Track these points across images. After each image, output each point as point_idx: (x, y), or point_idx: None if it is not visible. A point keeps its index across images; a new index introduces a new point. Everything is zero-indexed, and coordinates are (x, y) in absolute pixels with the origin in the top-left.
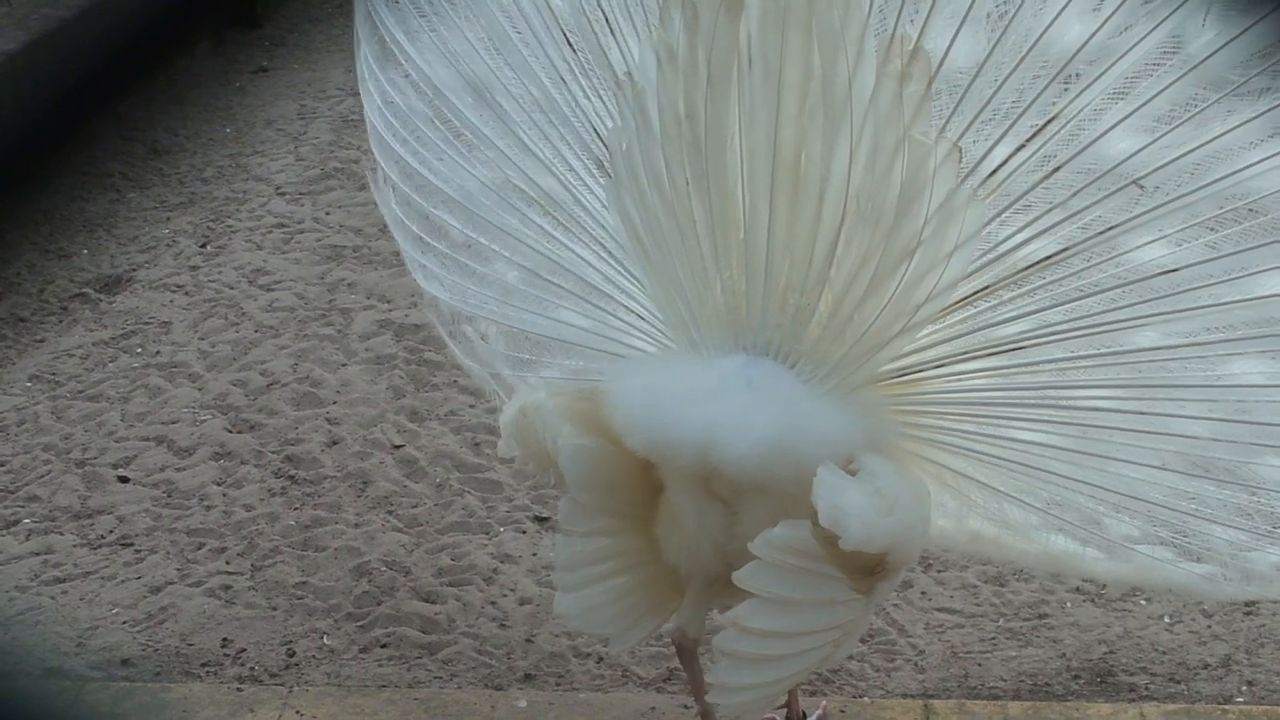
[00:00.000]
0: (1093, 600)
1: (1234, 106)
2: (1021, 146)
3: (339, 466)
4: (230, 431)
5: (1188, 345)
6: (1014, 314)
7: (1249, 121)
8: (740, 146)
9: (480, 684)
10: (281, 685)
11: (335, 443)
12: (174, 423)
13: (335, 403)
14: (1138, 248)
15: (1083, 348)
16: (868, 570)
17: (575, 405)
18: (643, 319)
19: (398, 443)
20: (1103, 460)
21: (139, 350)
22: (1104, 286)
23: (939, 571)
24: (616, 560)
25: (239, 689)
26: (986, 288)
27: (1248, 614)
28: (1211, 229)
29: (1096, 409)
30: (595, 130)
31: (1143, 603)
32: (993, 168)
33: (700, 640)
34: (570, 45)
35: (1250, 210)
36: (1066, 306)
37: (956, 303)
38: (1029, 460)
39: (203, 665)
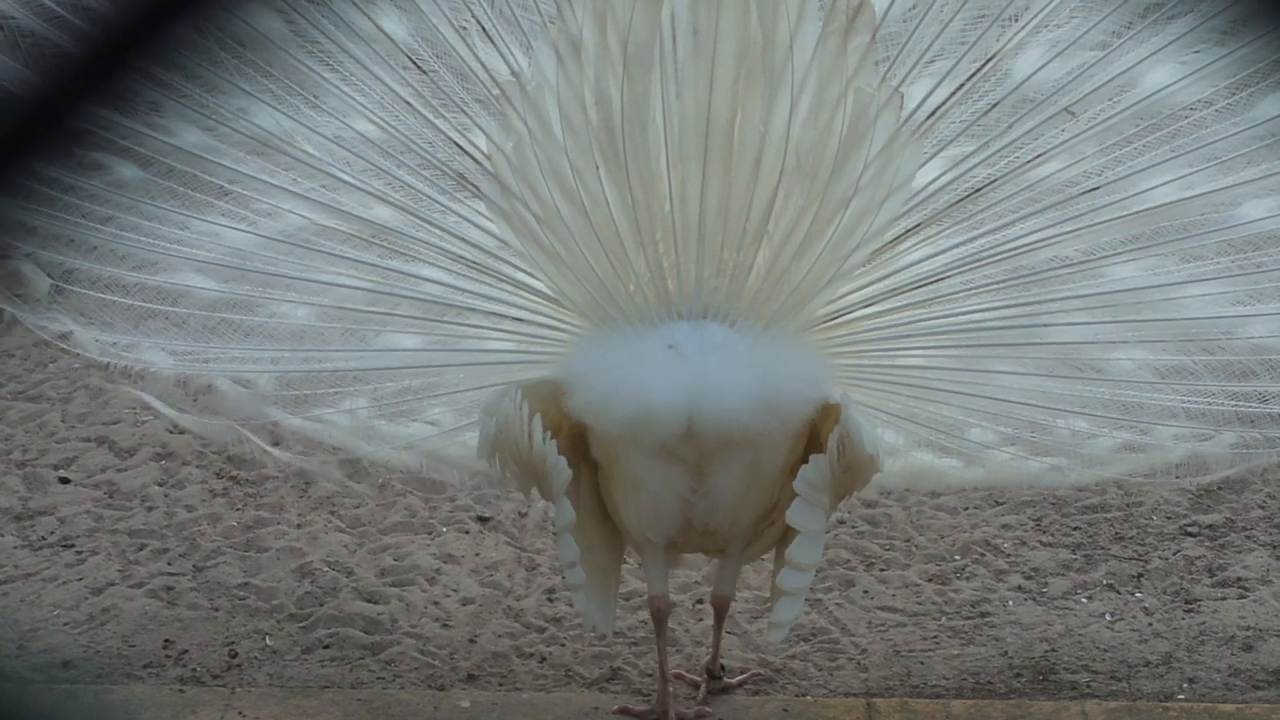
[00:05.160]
0: (1034, 599)
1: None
2: (960, 87)
3: (281, 467)
4: (172, 432)
5: (1082, 260)
6: (937, 249)
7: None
8: (663, 122)
9: (423, 684)
10: (224, 686)
11: (277, 443)
12: (115, 423)
13: None
14: (1051, 174)
15: (996, 274)
16: (845, 496)
17: (536, 404)
18: (515, 319)
19: None
20: (986, 374)
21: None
22: (1022, 214)
23: (881, 570)
24: (588, 546)
25: (181, 690)
26: (916, 227)
27: (1188, 612)
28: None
29: (990, 327)
30: (458, 146)
31: (1084, 601)
32: (930, 109)
33: (672, 602)
34: (418, 68)
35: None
36: (986, 238)
37: (887, 244)
38: (923, 382)
39: (145, 667)
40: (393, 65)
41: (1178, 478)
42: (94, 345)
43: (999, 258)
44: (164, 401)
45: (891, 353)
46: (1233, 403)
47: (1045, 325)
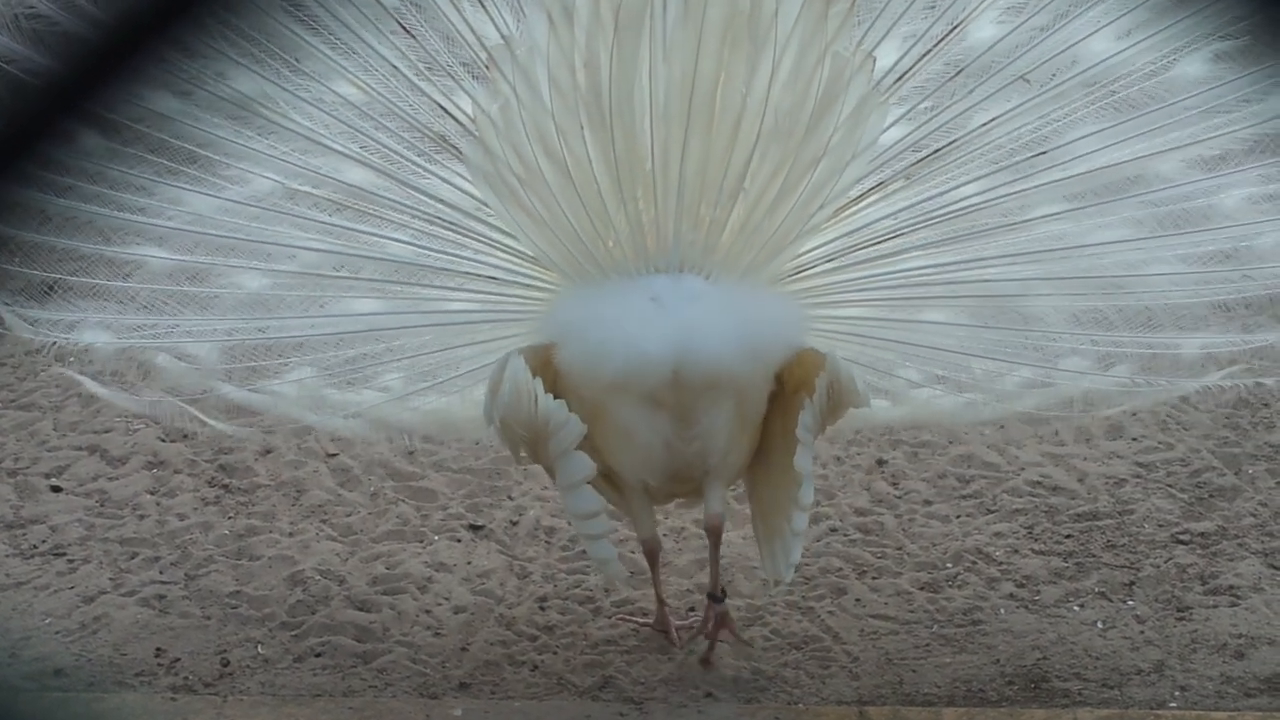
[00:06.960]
0: (1026, 607)
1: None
2: (928, 53)
3: (273, 475)
4: (163, 440)
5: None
6: (896, 207)
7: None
8: (649, 85)
9: (415, 693)
10: (216, 695)
11: (269, 451)
12: (107, 432)
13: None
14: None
15: (941, 232)
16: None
17: (532, 363)
18: (490, 278)
19: (331, 451)
20: (923, 321)
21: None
22: (970, 176)
23: (873, 579)
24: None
25: (173, 699)
26: (879, 185)
27: (1180, 620)
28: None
29: (931, 281)
30: (442, 109)
31: (1076, 609)
32: (900, 74)
33: (660, 542)
34: (407, 32)
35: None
36: (936, 199)
37: (851, 201)
38: (870, 330)
39: (136, 675)
40: (380, 29)
41: (1079, 411)
42: (25, 325)
43: (945, 218)
44: (100, 382)
45: (846, 303)
46: (1135, 340)
47: (980, 280)
